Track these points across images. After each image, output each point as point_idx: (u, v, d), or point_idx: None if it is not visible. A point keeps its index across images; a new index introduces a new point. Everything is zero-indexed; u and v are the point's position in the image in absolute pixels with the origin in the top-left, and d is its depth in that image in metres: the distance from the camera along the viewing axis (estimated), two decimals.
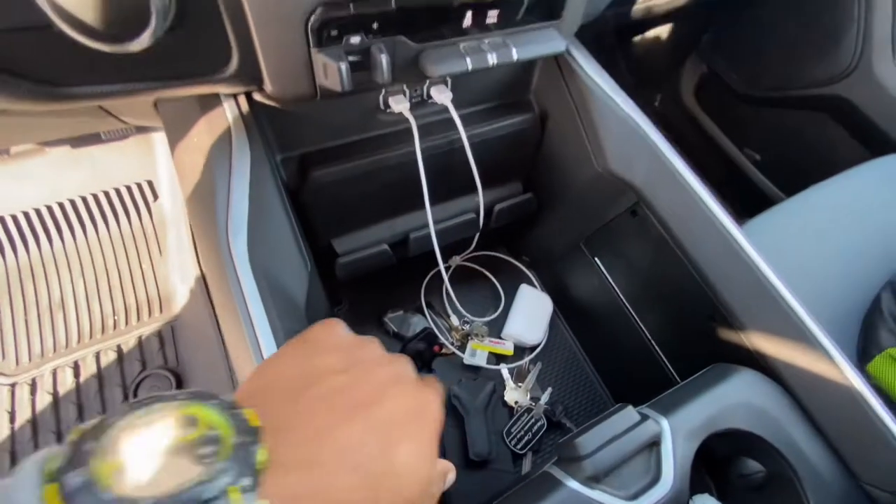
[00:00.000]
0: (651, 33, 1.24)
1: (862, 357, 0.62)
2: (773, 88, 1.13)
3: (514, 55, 0.38)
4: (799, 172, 1.04)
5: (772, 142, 1.20)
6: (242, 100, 0.40)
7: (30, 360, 0.85)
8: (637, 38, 1.27)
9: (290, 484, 0.17)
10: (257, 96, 0.40)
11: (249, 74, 0.34)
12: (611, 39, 1.29)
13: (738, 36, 1.16)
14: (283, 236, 0.38)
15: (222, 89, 0.37)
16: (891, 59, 0.97)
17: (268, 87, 0.35)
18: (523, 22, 0.39)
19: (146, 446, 0.15)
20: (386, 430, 0.21)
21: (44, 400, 0.82)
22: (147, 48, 0.28)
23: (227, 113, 0.39)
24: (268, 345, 0.32)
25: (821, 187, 0.78)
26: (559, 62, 0.52)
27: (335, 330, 0.25)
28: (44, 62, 0.30)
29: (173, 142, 0.42)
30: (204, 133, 0.39)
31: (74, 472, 0.14)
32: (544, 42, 0.39)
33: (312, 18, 0.31)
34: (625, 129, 0.50)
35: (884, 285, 0.64)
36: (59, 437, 0.79)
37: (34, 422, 0.80)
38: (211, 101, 0.40)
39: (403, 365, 0.24)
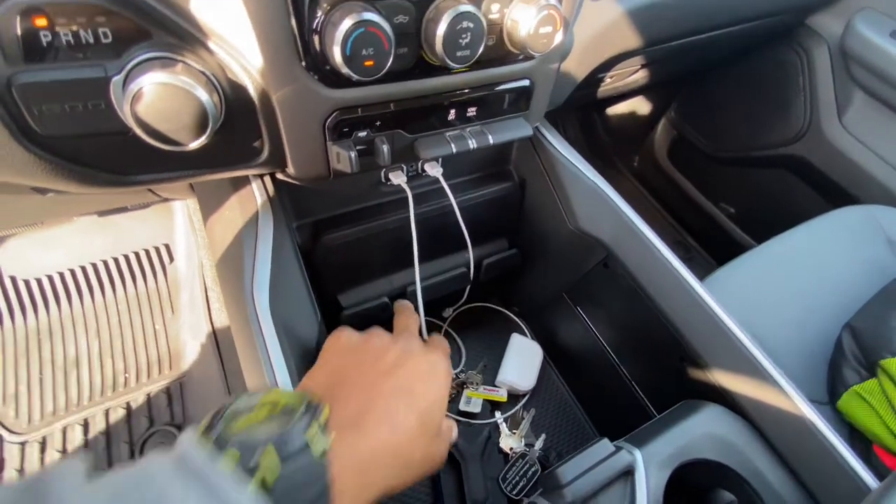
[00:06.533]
0: (623, 105, 1.38)
1: (832, 395, 0.66)
2: (736, 150, 1.25)
3: (490, 140, 0.47)
4: (769, 224, 1.12)
5: (743, 196, 1.30)
6: (267, 179, 0.48)
7: (41, 418, 0.88)
8: (611, 109, 1.41)
9: (344, 436, 0.26)
10: (280, 175, 0.48)
11: (276, 161, 0.42)
12: (590, 110, 1.44)
13: (701, 105, 1.30)
14: (298, 293, 0.44)
15: (251, 172, 0.45)
16: (837, 120, 1.08)
17: (290, 170, 0.43)
18: (498, 114, 0.48)
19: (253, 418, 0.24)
20: (408, 390, 0.30)
21: (52, 458, 0.84)
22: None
23: (255, 190, 0.47)
24: (284, 385, 0.38)
25: (783, 237, 0.86)
26: (532, 140, 0.62)
27: (345, 335, 0.35)
28: (117, 157, 0.38)
29: (206, 213, 0.50)
30: (235, 207, 0.47)
31: (213, 430, 0.23)
32: (515, 129, 0.48)
33: (329, 120, 0.40)
34: (590, 193, 0.58)
35: (843, 327, 0.69)
36: None
37: None
38: (241, 181, 0.48)
39: (407, 339, 0.34)
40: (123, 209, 0.97)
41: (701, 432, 0.46)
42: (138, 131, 0.34)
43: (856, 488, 0.42)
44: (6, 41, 0.30)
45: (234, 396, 0.25)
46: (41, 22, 0.31)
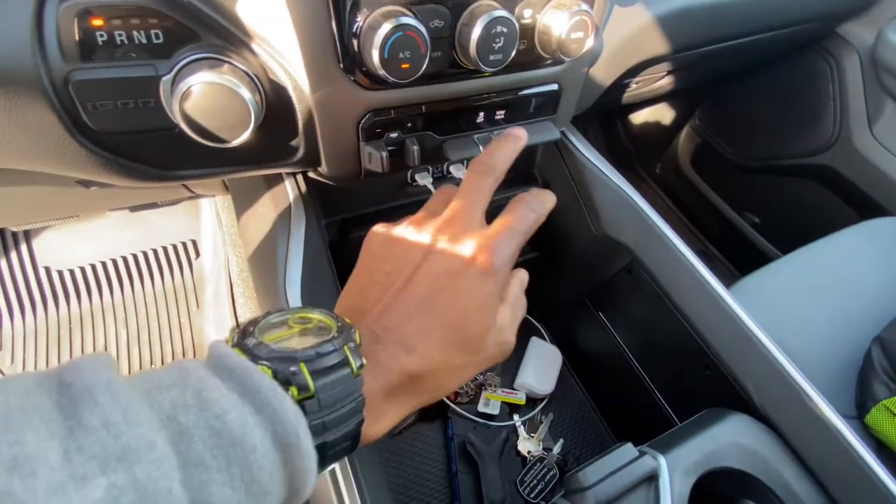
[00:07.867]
0: (646, 111, 1.37)
1: (860, 410, 0.65)
2: (762, 159, 1.22)
3: None
4: (795, 234, 1.10)
5: (768, 206, 1.27)
6: (300, 177, 0.50)
7: None
8: (634, 115, 1.41)
9: (377, 351, 0.26)
10: (311, 174, 0.49)
11: (311, 160, 0.44)
12: (612, 116, 1.43)
13: (727, 113, 1.28)
14: (327, 287, 0.45)
15: (286, 170, 0.47)
16: (868, 130, 1.06)
17: (324, 169, 0.44)
18: (526, 117, 0.49)
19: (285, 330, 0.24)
20: (431, 308, 0.28)
21: None
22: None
23: (288, 188, 0.48)
24: None
25: (811, 247, 0.84)
26: (557, 143, 0.62)
27: (374, 236, 0.34)
28: (162, 153, 0.40)
29: (240, 210, 0.52)
30: (268, 204, 0.48)
31: (249, 339, 0.23)
32: (542, 132, 0.49)
33: (363, 121, 0.41)
34: (615, 197, 0.58)
35: (873, 340, 0.67)
36: None
37: None
38: (275, 179, 0.50)
39: (444, 228, 0.32)
40: (153, 205, 1.00)
41: (726, 441, 0.45)
42: (185, 128, 0.35)
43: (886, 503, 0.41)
44: (65, 40, 0.32)
45: (261, 314, 0.25)
46: (98, 22, 0.33)
